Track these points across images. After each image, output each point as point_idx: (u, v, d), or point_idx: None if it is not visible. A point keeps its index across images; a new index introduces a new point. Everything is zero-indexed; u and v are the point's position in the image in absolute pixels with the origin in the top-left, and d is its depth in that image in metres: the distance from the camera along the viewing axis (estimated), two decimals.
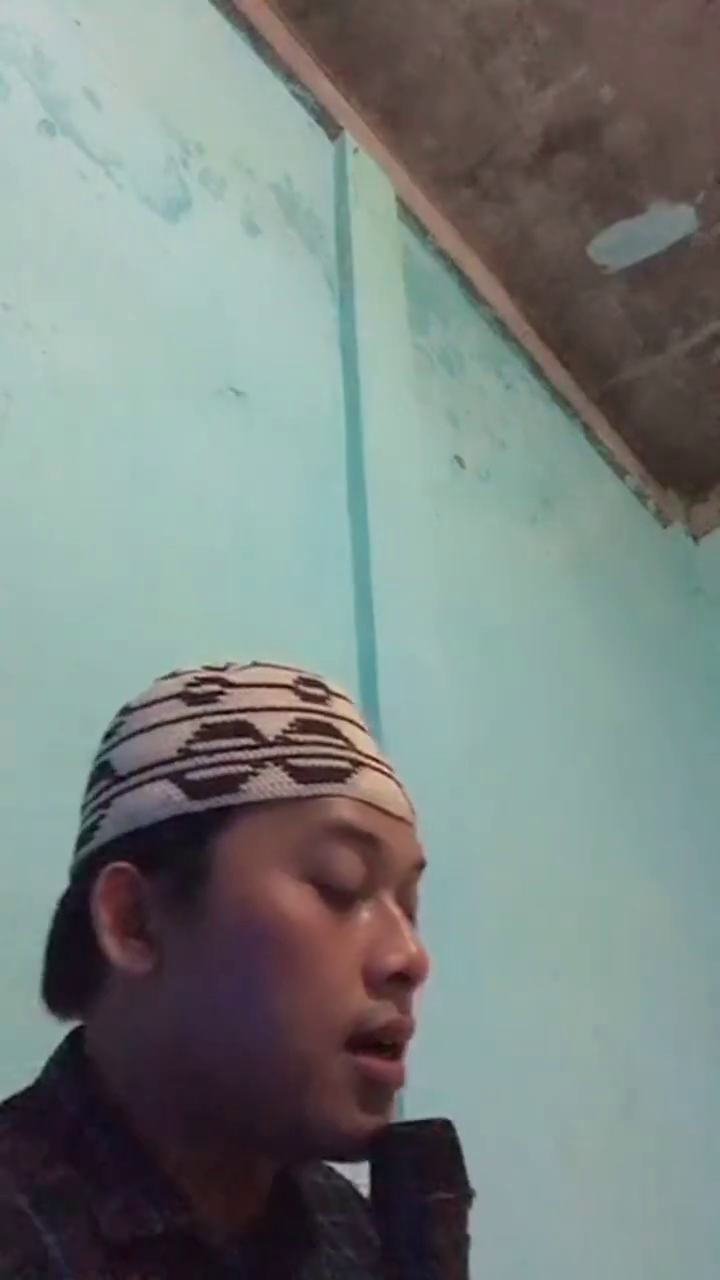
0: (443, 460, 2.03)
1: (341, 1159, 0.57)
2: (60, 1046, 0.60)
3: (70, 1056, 0.59)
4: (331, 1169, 0.69)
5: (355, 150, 2.06)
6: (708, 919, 2.33)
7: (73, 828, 0.64)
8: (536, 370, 2.60)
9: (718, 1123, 2.03)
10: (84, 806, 0.63)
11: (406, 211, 2.22)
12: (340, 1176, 0.69)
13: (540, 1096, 1.57)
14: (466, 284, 2.40)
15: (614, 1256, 1.60)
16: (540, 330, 2.63)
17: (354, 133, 2.09)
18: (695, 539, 3.19)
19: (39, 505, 1.13)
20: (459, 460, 2.09)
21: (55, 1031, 0.62)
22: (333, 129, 2.07)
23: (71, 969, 0.60)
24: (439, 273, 2.33)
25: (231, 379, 1.52)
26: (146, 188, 1.50)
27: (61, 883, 0.63)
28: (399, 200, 2.18)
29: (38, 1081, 0.60)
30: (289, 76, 1.99)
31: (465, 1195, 0.53)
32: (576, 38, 2.08)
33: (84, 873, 0.59)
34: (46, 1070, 0.60)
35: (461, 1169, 0.54)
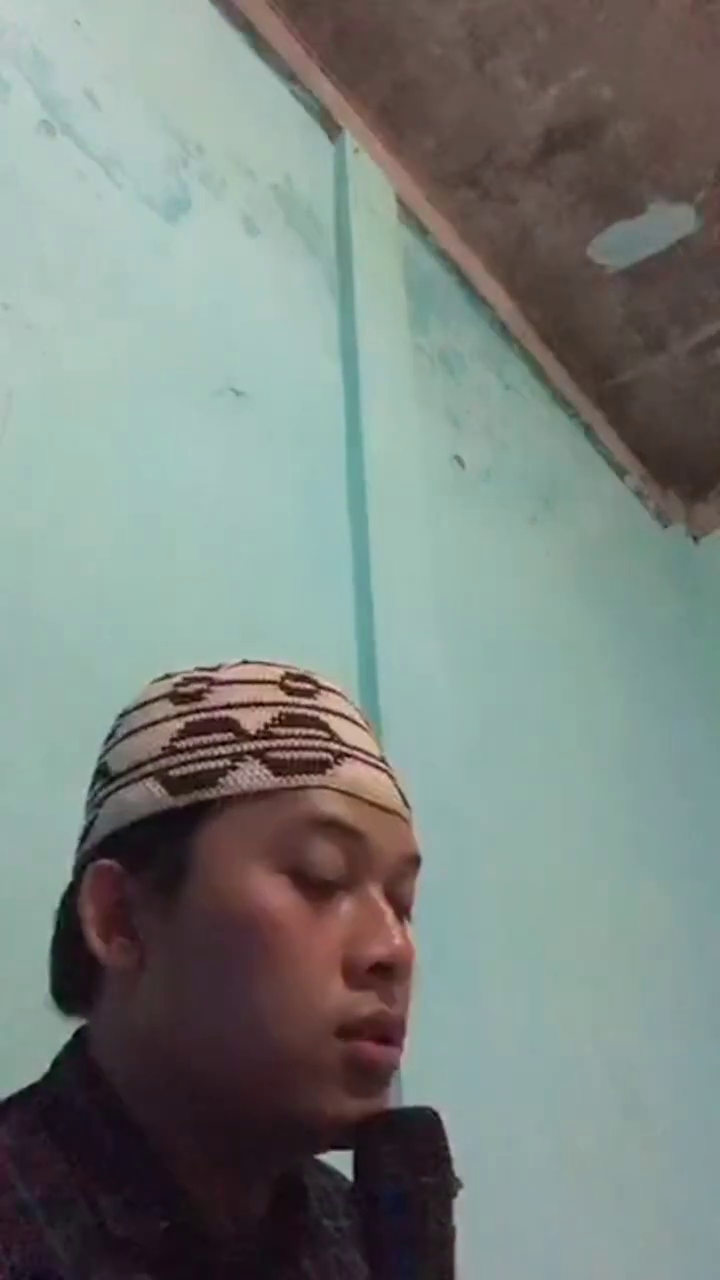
0: (443, 460, 2.03)
1: (329, 1146, 0.57)
2: (66, 1044, 0.61)
3: (75, 1054, 0.60)
4: (337, 1172, 0.68)
5: (355, 150, 2.06)
6: (708, 918, 2.33)
7: (74, 830, 0.65)
8: (536, 370, 2.60)
9: (718, 1123, 2.03)
10: (86, 807, 0.64)
11: (406, 211, 2.22)
12: (346, 1180, 0.69)
13: (539, 1096, 1.57)
14: (466, 284, 2.40)
15: (613, 1256, 1.60)
16: (540, 331, 2.62)
17: (354, 133, 2.09)
18: (695, 539, 3.18)
19: (39, 505, 1.13)
20: (459, 460, 2.09)
21: (61, 1032, 0.62)
22: (333, 129, 2.06)
23: (73, 966, 0.61)
24: (439, 273, 2.33)
25: (231, 379, 1.52)
26: (146, 188, 1.50)
27: (61, 885, 0.63)
28: (399, 200, 2.18)
29: (44, 1078, 0.60)
30: (289, 76, 1.99)
31: (450, 1184, 0.52)
32: (576, 38, 2.08)
33: (79, 871, 0.60)
34: (53, 1067, 0.60)
35: (447, 1158, 0.53)
